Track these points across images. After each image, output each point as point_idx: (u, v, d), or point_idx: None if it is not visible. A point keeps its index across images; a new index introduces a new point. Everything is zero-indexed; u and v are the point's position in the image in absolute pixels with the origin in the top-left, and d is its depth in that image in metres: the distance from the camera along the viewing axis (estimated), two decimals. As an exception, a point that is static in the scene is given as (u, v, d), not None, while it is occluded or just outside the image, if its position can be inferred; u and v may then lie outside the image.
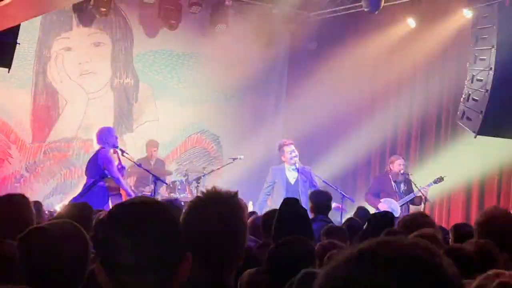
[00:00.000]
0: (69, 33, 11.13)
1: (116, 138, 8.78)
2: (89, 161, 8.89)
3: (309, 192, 8.32)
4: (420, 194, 9.41)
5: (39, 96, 10.96)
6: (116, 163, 8.71)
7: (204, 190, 2.28)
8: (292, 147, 9.37)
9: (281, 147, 9.45)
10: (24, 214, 3.58)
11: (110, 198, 8.38)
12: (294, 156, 9.30)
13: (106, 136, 8.69)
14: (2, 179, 10.60)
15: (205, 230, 2.17)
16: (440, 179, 9.62)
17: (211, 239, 2.16)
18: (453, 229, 4.88)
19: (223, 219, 2.20)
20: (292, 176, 9.33)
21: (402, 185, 9.72)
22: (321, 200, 6.92)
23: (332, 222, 6.53)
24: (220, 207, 2.22)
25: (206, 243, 2.16)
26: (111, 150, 8.70)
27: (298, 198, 9.03)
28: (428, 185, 9.53)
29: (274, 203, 8.94)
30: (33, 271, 2.37)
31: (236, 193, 2.30)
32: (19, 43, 7.37)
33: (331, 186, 9.18)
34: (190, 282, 2.10)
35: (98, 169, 8.51)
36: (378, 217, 5.77)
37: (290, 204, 3.75)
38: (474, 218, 6.72)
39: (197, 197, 2.29)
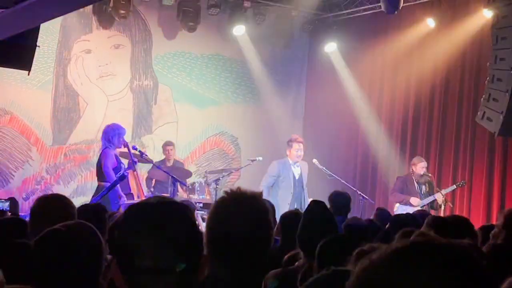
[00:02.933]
0: (89, 35, 11.19)
1: (120, 136, 8.58)
2: (97, 164, 8.84)
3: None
4: (441, 197, 9.37)
5: (60, 98, 11.02)
6: (112, 160, 8.50)
7: (229, 190, 2.27)
8: (301, 145, 9.62)
9: (291, 142, 9.68)
10: (69, 213, 3.62)
11: (121, 198, 8.30)
12: (299, 155, 9.58)
13: (109, 136, 8.59)
14: (22, 181, 10.66)
15: (230, 230, 2.16)
16: (462, 183, 9.62)
17: (236, 239, 2.15)
18: (481, 231, 4.91)
19: (248, 219, 2.19)
20: (296, 171, 9.62)
21: (424, 187, 9.67)
22: (340, 201, 6.90)
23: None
24: (245, 207, 2.21)
25: (230, 243, 2.15)
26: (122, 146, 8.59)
27: (303, 192, 9.37)
28: (449, 189, 9.51)
29: (281, 198, 9.10)
30: (48, 272, 2.37)
31: (260, 194, 2.29)
32: (39, 46, 7.37)
33: (350, 187, 9.17)
34: (213, 281, 2.09)
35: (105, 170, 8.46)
36: (400, 218, 5.75)
37: (318, 207, 3.73)
38: (495, 222, 6.65)
39: (222, 197, 2.27)
